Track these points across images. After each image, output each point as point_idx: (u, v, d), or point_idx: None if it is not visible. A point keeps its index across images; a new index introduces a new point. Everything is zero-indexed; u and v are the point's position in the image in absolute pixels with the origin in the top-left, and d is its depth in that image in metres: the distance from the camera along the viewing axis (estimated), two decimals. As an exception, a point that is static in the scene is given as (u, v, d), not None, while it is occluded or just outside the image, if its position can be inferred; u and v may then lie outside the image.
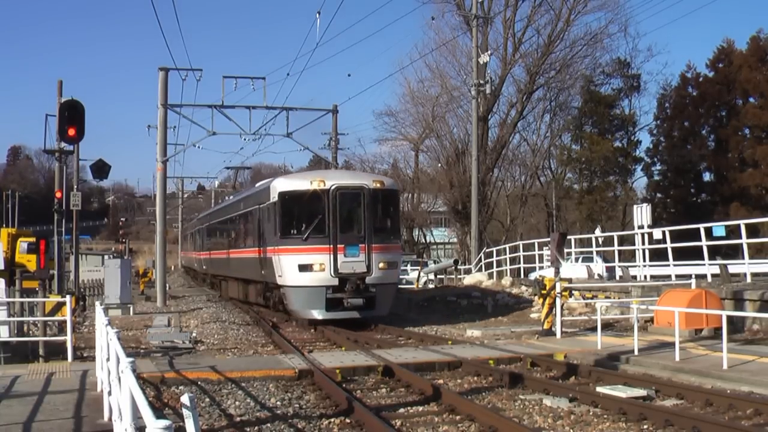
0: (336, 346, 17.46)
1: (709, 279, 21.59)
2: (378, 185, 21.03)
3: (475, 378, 12.96)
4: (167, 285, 35.40)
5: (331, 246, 19.84)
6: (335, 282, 19.80)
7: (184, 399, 4.41)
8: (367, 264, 20.06)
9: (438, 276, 37.51)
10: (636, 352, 13.87)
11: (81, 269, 32.23)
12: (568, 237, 29.31)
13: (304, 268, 19.86)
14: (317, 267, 19.76)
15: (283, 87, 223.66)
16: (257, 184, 28.72)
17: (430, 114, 50.47)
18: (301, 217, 20.68)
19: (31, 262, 29.84)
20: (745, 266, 20.95)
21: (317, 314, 20.01)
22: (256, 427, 9.58)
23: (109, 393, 8.48)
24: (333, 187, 20.22)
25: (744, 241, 20.91)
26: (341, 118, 41.53)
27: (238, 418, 10.11)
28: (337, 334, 18.72)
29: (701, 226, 22.46)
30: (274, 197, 21.18)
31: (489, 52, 31.65)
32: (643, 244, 25.23)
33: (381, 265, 20.21)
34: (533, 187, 56.26)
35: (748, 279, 20.37)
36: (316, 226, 20.12)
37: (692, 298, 16.21)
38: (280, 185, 21.35)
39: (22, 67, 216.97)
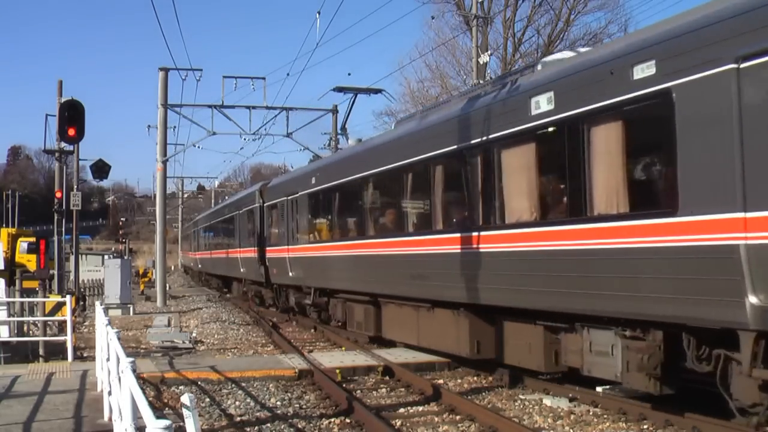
0: (336, 346, 17.44)
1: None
2: None
3: (475, 378, 12.96)
4: (167, 285, 35.41)
5: None
6: None
7: (184, 399, 4.40)
8: None
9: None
10: (636, 352, 13.83)
11: (81, 269, 32.19)
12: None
13: None
14: None
15: (283, 87, 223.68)
16: None
17: (430, 114, 50.39)
18: None
19: (31, 262, 29.92)
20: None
21: None
22: (256, 427, 9.59)
23: (109, 393, 8.49)
24: None
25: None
26: (341, 118, 41.47)
27: (238, 418, 10.11)
28: (337, 334, 18.67)
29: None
30: None
31: (489, 52, 31.53)
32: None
33: None
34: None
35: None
36: None
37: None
38: None
39: (22, 66, 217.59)
